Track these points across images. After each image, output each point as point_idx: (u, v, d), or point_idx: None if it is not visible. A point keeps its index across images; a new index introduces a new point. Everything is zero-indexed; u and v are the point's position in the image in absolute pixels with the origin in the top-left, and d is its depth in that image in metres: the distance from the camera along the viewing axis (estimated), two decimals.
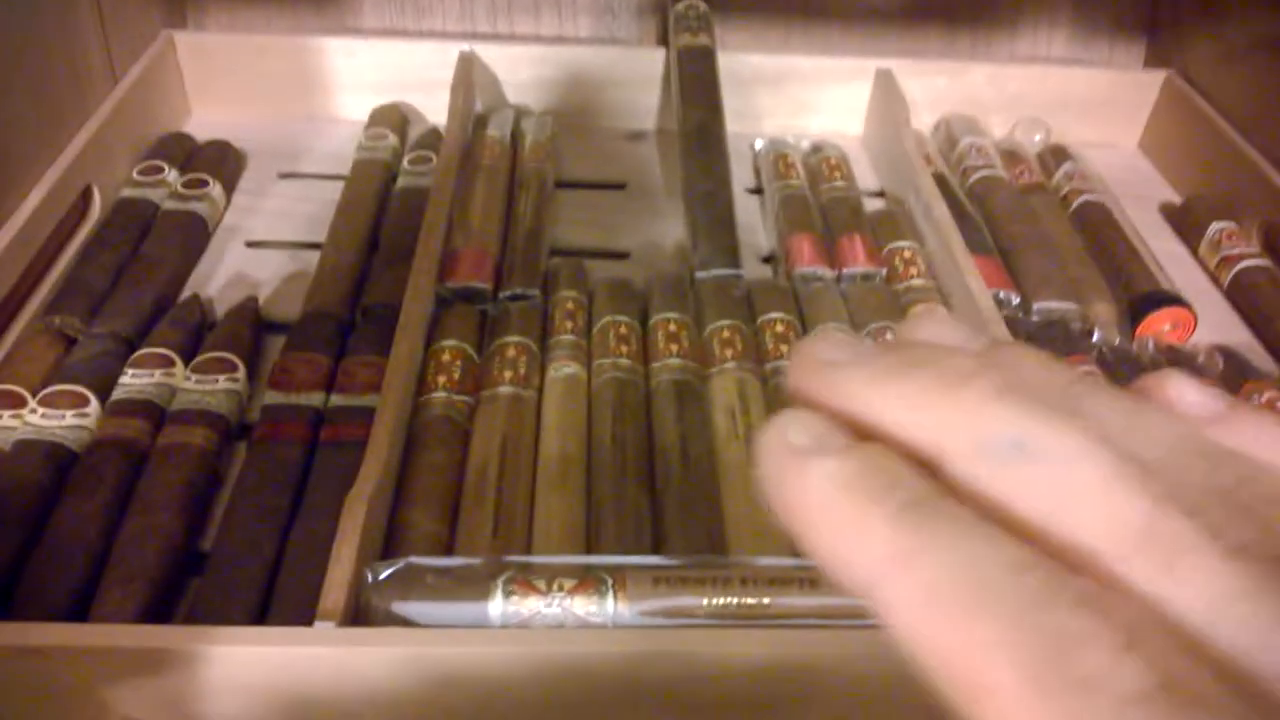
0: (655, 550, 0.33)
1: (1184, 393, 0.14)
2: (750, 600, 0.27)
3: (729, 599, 0.26)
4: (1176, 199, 0.56)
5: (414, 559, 0.28)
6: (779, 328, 0.42)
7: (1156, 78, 0.59)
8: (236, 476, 0.34)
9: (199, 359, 0.38)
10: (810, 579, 0.27)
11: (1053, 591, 0.12)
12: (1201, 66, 0.57)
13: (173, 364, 0.37)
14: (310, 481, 0.34)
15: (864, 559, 0.13)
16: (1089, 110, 0.60)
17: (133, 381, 0.37)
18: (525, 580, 0.26)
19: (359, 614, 0.27)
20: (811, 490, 0.14)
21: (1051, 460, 0.13)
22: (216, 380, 0.37)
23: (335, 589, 0.27)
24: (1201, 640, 0.11)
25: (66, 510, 0.32)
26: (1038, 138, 0.58)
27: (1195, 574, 0.12)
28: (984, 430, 0.13)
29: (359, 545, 0.28)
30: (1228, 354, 0.42)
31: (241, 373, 0.38)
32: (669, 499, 0.34)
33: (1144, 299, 0.45)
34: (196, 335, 0.40)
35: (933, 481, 0.13)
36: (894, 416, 0.14)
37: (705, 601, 0.27)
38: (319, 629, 0.25)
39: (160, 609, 0.30)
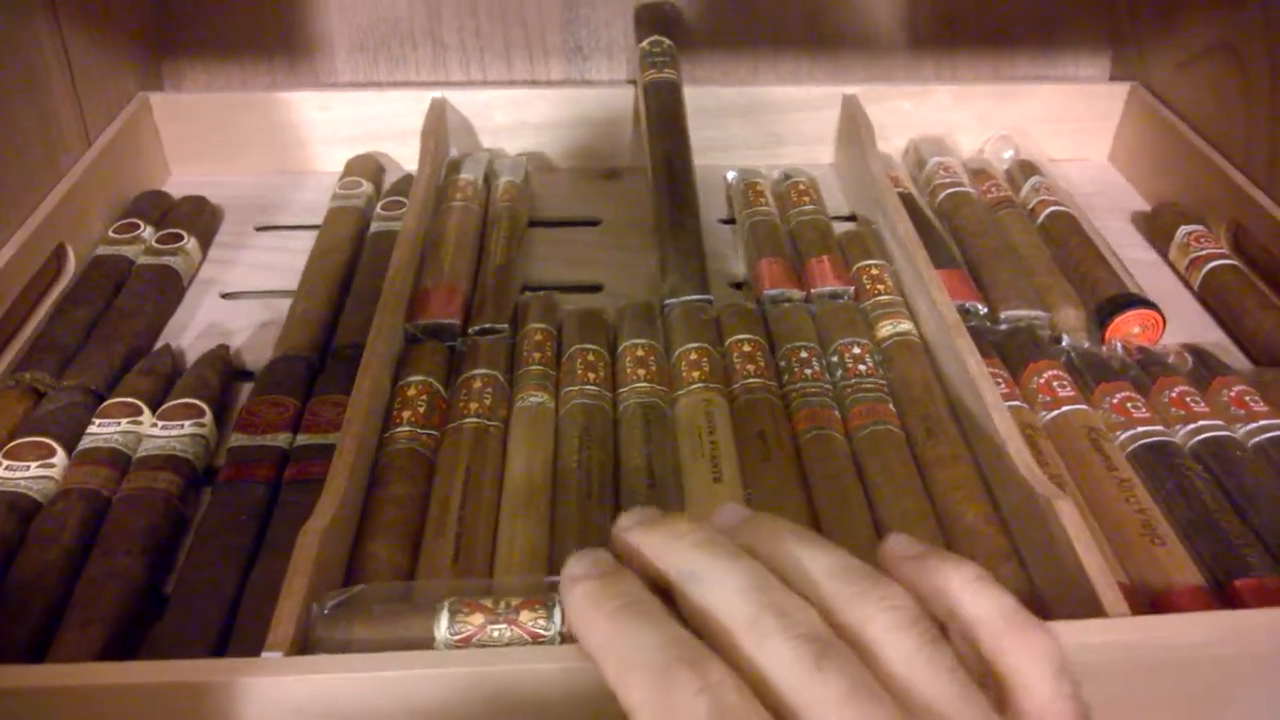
0: None
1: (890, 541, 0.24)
2: None
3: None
4: (1148, 208, 0.56)
5: (363, 587, 0.28)
6: (746, 348, 0.42)
7: (1122, 90, 0.60)
8: (199, 518, 0.34)
9: (165, 406, 0.38)
10: None
11: (676, 658, 0.20)
12: (1164, 76, 0.58)
13: (140, 412, 0.38)
14: (273, 519, 0.34)
15: (591, 643, 0.22)
16: (1058, 125, 0.60)
17: (100, 431, 0.37)
18: (472, 600, 0.26)
19: (308, 645, 0.27)
20: (572, 600, 0.23)
21: (707, 581, 0.22)
22: (182, 426, 0.37)
23: (285, 620, 0.26)
24: (762, 691, 0.20)
25: (28, 559, 0.32)
26: (1007, 155, 0.59)
27: (772, 648, 0.20)
28: (679, 564, 0.23)
29: (311, 578, 0.28)
30: (1197, 353, 0.42)
31: (208, 418, 0.38)
32: None
33: (1110, 302, 0.44)
34: (167, 384, 0.40)
35: (649, 592, 0.23)
36: (649, 555, 0.23)
37: None
38: (263, 659, 0.25)
39: (119, 651, 0.30)
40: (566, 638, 0.25)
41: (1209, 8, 0.53)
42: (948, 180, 0.54)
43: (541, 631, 0.25)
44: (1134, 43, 0.61)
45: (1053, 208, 0.52)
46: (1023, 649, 0.21)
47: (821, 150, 0.60)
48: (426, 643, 0.26)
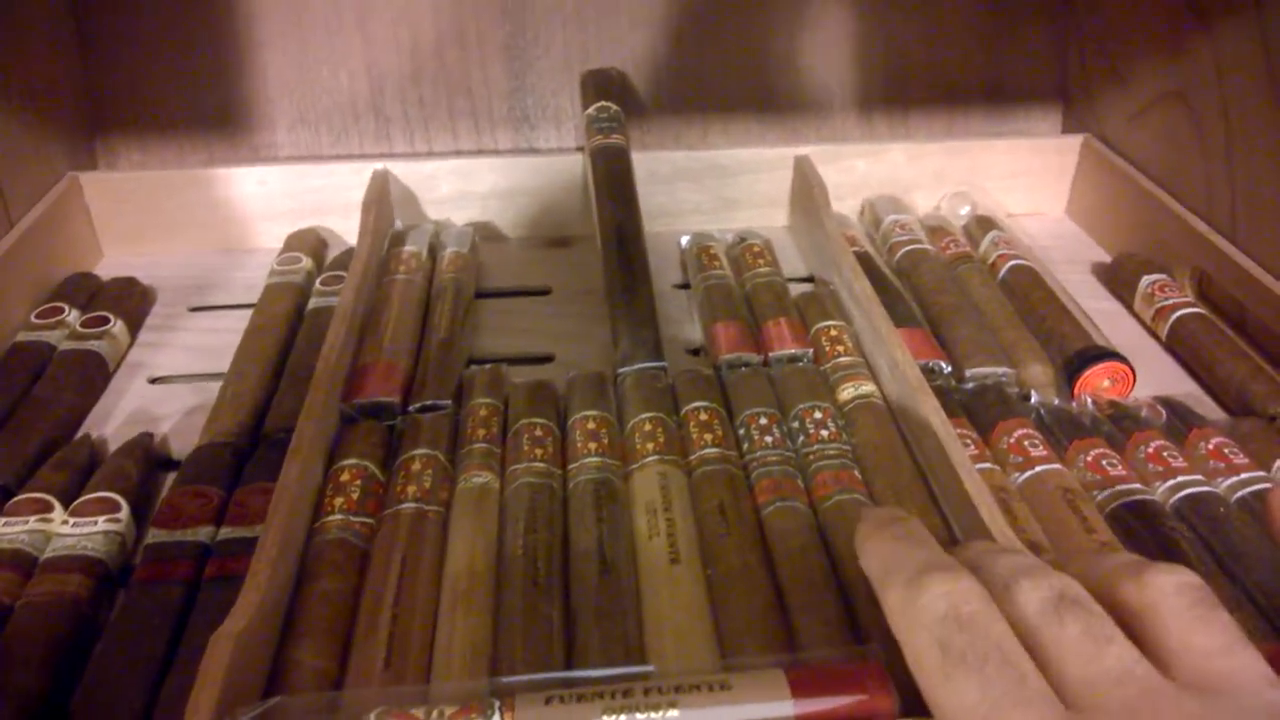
0: (568, 668, 0.30)
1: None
2: (655, 714, 0.24)
3: (630, 714, 0.24)
4: (1107, 259, 0.55)
5: (281, 699, 0.25)
6: (703, 416, 0.40)
7: (1074, 142, 0.59)
8: (109, 624, 0.31)
9: (77, 501, 0.35)
10: (722, 684, 0.25)
11: (931, 564, 0.24)
12: (1117, 127, 0.57)
13: (50, 509, 0.35)
14: (190, 623, 0.31)
15: (867, 558, 0.27)
16: (1013, 180, 0.60)
17: (4, 531, 0.34)
18: (402, 711, 0.24)
19: None
20: (863, 528, 0.28)
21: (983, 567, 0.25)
22: (95, 522, 0.34)
23: None
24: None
25: None
26: (964, 211, 0.58)
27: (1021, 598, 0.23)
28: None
29: (224, 688, 0.25)
30: (1171, 405, 0.41)
31: (125, 512, 0.35)
32: (583, 610, 0.32)
33: (1078, 356, 0.43)
34: (83, 478, 0.38)
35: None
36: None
37: (605, 716, 0.24)
38: None
39: None
40: None
41: (1158, 58, 0.53)
42: (905, 238, 0.53)
43: None
44: (1084, 96, 0.60)
45: (1013, 261, 0.50)
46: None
47: (775, 212, 0.59)
48: None
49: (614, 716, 0.24)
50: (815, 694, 0.24)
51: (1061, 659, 0.21)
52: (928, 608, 0.22)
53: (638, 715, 0.24)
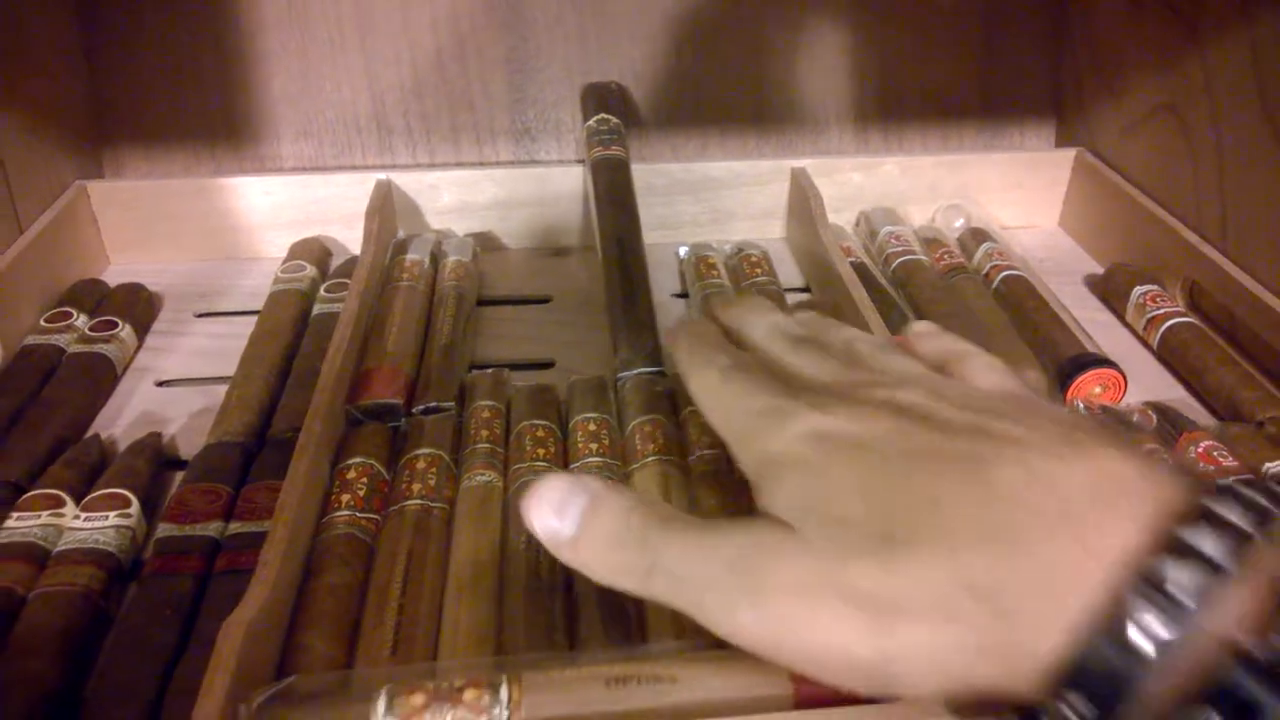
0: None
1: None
2: (657, 686, 0.25)
3: (633, 684, 0.24)
4: (1100, 270, 0.56)
5: (295, 678, 0.26)
6: (702, 419, 0.40)
7: (1067, 155, 0.60)
8: (120, 615, 0.32)
9: (89, 496, 0.36)
10: (723, 659, 0.25)
11: (716, 347, 0.32)
12: (1109, 140, 0.58)
13: (62, 504, 0.36)
14: (200, 614, 0.32)
15: (680, 361, 0.33)
16: (1006, 193, 0.61)
17: (16, 525, 0.35)
18: (412, 685, 0.24)
19: None
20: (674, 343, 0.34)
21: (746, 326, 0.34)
22: (106, 517, 0.35)
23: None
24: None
25: None
26: (959, 224, 0.59)
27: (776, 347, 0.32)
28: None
29: (236, 674, 0.26)
30: (1161, 410, 0.41)
31: (135, 508, 0.36)
32: (585, 599, 0.32)
33: (1070, 363, 0.44)
34: (93, 475, 0.38)
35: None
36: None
37: (608, 685, 0.24)
38: None
39: None
40: (514, 717, 0.23)
41: (1150, 72, 0.54)
42: (900, 249, 0.54)
43: (487, 711, 0.23)
44: (1077, 109, 0.62)
45: (1006, 271, 0.51)
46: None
47: (771, 225, 0.60)
48: None
49: (617, 686, 0.24)
50: None
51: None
52: (712, 365, 0.31)
53: (641, 685, 0.25)
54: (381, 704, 0.24)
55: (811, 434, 0.25)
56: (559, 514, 0.26)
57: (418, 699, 0.24)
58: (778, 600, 0.22)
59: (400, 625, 0.31)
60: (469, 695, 0.24)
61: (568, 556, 0.26)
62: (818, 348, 0.30)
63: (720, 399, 0.30)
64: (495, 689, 0.24)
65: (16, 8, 0.50)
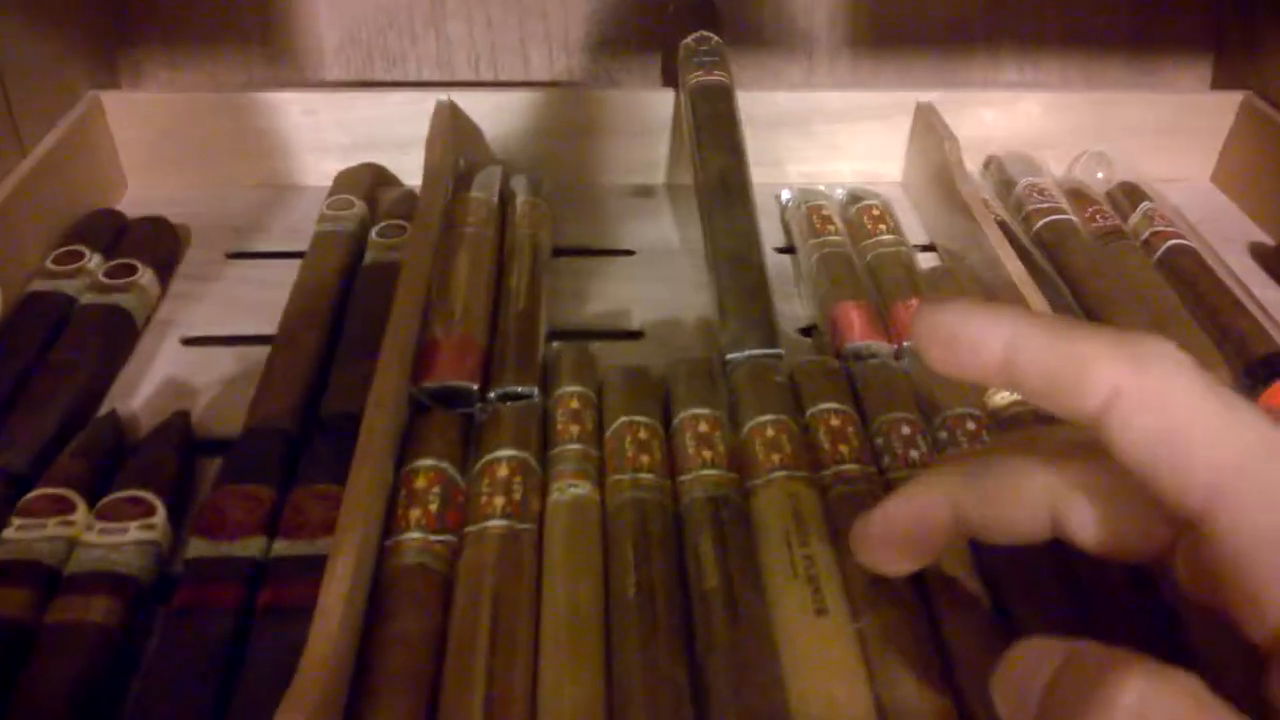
0: None
1: None
2: None
3: None
4: (1265, 238, 0.49)
5: None
6: (835, 421, 0.34)
7: (1231, 100, 0.52)
8: (147, 662, 0.26)
9: (105, 500, 0.30)
10: None
11: None
12: None
13: (73, 508, 0.29)
14: (244, 669, 0.26)
15: None
16: (1154, 141, 0.52)
17: (19, 536, 0.28)
18: None
19: None
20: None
21: None
22: (126, 529, 0.29)
23: None
24: None
25: None
26: (1100, 175, 0.51)
27: None
28: None
29: None
30: None
31: (160, 516, 0.29)
32: (714, 665, 0.26)
33: (1264, 364, 0.37)
34: (109, 464, 0.32)
35: None
36: None
37: None
38: None
39: None
40: None
41: None
42: (1044, 205, 0.46)
43: None
44: (1244, 46, 0.53)
45: (1172, 241, 0.44)
46: None
47: (887, 165, 0.52)
48: None
49: None
50: None
51: None
52: None
53: None
54: None
55: None
56: None
57: None
58: None
59: (490, 696, 0.25)
60: None
61: None
62: None
63: None
64: None
65: None
